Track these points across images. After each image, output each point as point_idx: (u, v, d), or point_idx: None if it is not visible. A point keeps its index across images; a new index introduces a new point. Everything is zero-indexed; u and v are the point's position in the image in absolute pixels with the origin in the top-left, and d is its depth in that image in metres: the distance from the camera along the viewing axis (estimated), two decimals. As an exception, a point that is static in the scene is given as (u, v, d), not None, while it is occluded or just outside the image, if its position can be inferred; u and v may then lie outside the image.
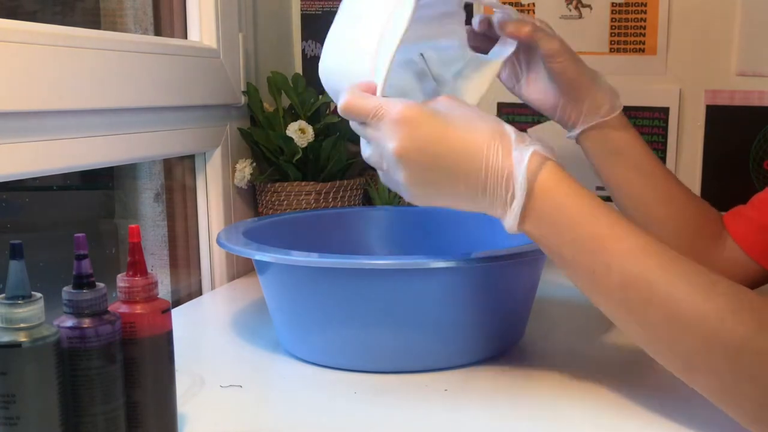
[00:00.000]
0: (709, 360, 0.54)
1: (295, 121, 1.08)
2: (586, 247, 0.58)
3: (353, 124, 0.64)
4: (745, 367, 0.53)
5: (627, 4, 1.21)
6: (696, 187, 1.23)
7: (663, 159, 1.23)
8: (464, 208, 0.62)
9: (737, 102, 1.19)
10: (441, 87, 0.77)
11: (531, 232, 0.60)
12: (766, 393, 0.52)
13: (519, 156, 0.58)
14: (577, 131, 0.83)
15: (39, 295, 0.49)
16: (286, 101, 1.14)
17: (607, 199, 0.82)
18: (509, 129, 0.60)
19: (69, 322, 0.50)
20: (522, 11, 1.25)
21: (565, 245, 0.59)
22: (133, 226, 0.54)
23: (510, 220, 0.59)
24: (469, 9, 1.26)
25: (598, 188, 0.96)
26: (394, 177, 0.62)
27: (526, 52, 0.82)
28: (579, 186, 0.60)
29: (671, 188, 0.83)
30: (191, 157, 1.07)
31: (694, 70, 1.21)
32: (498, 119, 0.61)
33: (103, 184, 1.08)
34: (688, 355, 0.55)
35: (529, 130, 1.24)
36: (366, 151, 0.65)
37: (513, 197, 0.58)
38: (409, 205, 1.16)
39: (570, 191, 0.59)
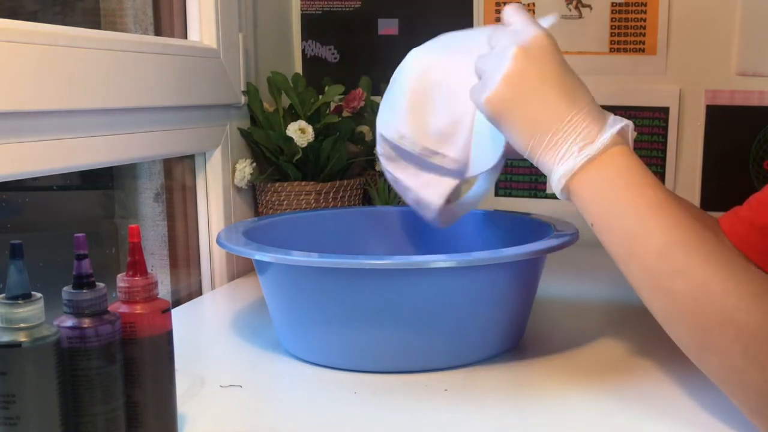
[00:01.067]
0: (723, 340, 0.54)
1: (295, 121, 1.08)
2: (641, 210, 0.59)
3: (490, 28, 0.70)
4: (756, 354, 0.53)
5: (627, 4, 1.21)
6: (696, 187, 1.23)
7: (663, 159, 1.23)
8: (526, 137, 0.64)
9: (737, 102, 1.19)
10: None
11: (579, 189, 0.62)
12: None
13: (615, 120, 0.62)
14: None
15: (39, 295, 0.49)
16: (286, 101, 1.14)
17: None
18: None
19: (69, 322, 0.50)
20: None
21: (617, 205, 0.60)
22: (133, 226, 0.54)
23: (568, 166, 0.61)
24: (468, 9, 1.26)
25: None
26: (500, 64, 0.64)
27: None
28: (635, 154, 0.62)
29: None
30: (191, 157, 1.07)
31: (694, 70, 1.21)
32: None
33: (103, 184, 1.08)
34: (704, 331, 0.55)
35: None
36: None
37: (591, 142, 0.61)
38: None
39: (640, 162, 0.61)
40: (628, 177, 0.61)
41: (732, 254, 0.57)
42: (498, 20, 1.26)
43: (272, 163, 1.12)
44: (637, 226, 0.59)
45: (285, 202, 1.09)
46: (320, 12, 1.32)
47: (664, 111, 1.22)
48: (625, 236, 0.60)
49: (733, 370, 0.55)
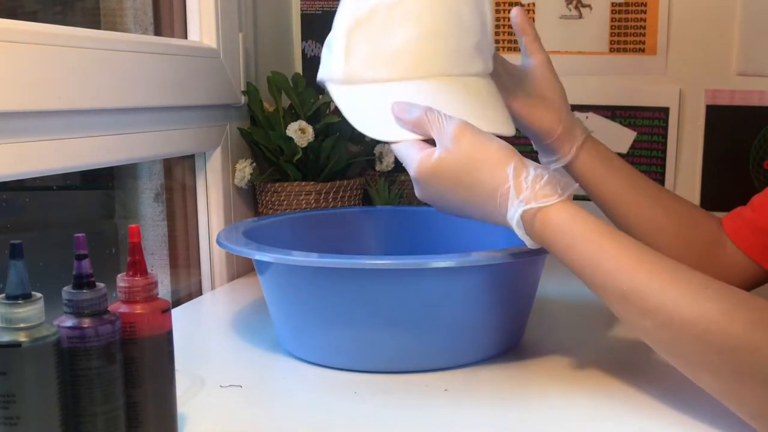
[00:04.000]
0: (706, 361, 0.55)
1: (295, 121, 1.08)
2: (584, 269, 0.61)
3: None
4: (742, 366, 0.54)
5: (627, 4, 1.21)
6: (696, 187, 1.23)
7: (663, 159, 1.23)
8: (479, 214, 0.67)
9: (737, 102, 1.19)
10: None
11: (547, 241, 0.64)
12: (765, 388, 0.53)
13: (534, 178, 0.63)
14: (579, 140, 0.82)
15: (39, 295, 0.49)
16: (286, 101, 1.14)
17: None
18: (521, 160, 0.65)
19: (69, 322, 0.50)
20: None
21: (567, 264, 0.63)
22: (133, 226, 0.54)
23: (519, 234, 0.64)
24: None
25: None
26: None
27: (513, 76, 0.84)
28: (573, 206, 0.63)
29: (662, 194, 0.85)
30: (191, 157, 1.07)
31: (694, 70, 1.21)
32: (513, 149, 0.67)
33: (103, 184, 1.08)
34: (686, 357, 0.57)
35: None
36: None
37: (518, 226, 0.64)
38: (409, 204, 1.16)
39: (576, 209, 0.63)
40: (558, 238, 0.62)
41: (690, 275, 0.58)
42: (497, 20, 1.25)
43: (272, 163, 1.12)
44: (591, 280, 0.61)
45: (285, 202, 1.09)
46: (320, 12, 1.32)
47: (664, 111, 1.22)
48: (593, 288, 0.62)
49: (724, 385, 0.56)
